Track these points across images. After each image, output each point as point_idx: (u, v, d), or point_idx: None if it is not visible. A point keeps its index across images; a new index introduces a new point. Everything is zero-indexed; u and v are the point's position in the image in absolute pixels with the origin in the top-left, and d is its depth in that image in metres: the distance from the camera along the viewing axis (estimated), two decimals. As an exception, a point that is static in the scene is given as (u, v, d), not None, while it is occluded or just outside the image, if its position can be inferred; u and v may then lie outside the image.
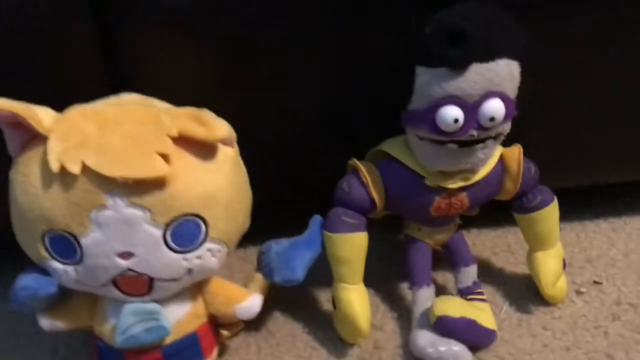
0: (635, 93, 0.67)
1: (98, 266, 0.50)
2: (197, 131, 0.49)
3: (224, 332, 0.62)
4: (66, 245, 0.50)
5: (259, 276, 0.61)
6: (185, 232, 0.50)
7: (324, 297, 0.68)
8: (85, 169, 0.47)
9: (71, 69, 0.58)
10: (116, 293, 0.53)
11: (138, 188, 0.48)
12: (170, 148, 0.48)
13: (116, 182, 0.47)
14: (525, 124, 0.57)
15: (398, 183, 0.60)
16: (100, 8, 0.57)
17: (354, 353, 0.62)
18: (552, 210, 0.64)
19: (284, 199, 0.70)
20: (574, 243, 0.74)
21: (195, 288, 0.57)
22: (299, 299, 0.67)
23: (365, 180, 0.60)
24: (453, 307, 0.59)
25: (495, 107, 0.53)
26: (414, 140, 0.58)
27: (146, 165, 0.47)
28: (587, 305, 0.66)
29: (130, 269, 0.50)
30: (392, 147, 0.61)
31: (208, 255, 0.52)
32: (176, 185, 0.49)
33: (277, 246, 0.61)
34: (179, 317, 0.56)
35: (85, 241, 0.49)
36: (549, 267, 0.64)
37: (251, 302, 0.59)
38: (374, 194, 0.60)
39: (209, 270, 0.54)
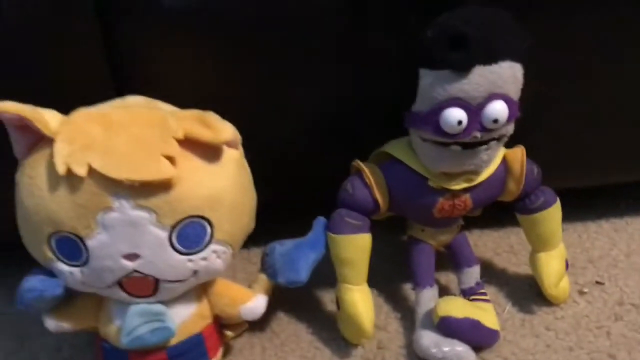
0: (635, 93, 0.67)
1: (104, 268, 0.51)
2: (203, 134, 0.49)
3: (228, 333, 0.62)
4: (72, 247, 0.50)
5: (263, 277, 0.62)
6: (190, 233, 0.51)
7: (327, 298, 0.68)
8: (91, 171, 0.47)
9: (74, 69, 0.58)
10: (122, 294, 0.53)
11: (144, 190, 0.48)
12: (176, 150, 0.48)
13: (122, 185, 0.47)
14: (527, 126, 0.58)
15: (401, 184, 0.60)
16: (103, 8, 0.57)
17: (357, 353, 0.62)
18: (555, 211, 0.64)
19: (287, 201, 0.70)
20: (576, 244, 0.74)
21: (200, 289, 0.57)
22: (302, 300, 0.68)
23: (368, 181, 0.60)
24: (456, 307, 0.60)
25: (498, 109, 0.53)
26: (417, 141, 0.58)
27: (152, 168, 0.48)
28: (590, 305, 0.66)
29: (136, 271, 0.51)
30: (395, 148, 0.61)
31: (213, 256, 0.53)
32: (182, 187, 0.49)
33: (281, 247, 0.61)
34: (184, 318, 0.56)
35: (91, 243, 0.50)
36: (552, 268, 0.65)
37: (256, 303, 0.59)
38: (378, 196, 0.60)
39: (214, 272, 0.54)
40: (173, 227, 0.50)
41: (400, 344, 0.63)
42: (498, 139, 0.56)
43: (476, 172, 0.59)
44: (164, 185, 0.48)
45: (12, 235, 0.53)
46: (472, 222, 0.70)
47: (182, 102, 0.54)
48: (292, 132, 0.65)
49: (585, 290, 0.68)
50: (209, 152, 0.51)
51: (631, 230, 0.76)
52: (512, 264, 0.72)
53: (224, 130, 0.50)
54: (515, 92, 0.55)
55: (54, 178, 0.48)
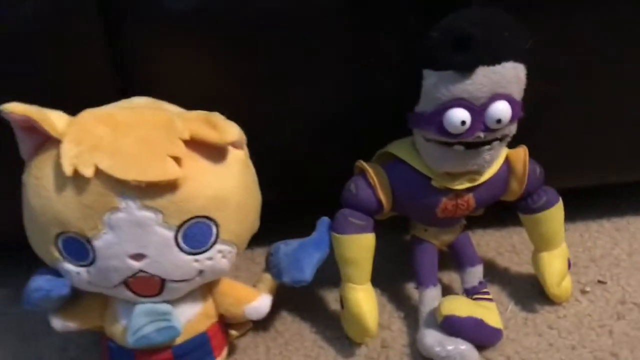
0: (635, 93, 0.67)
1: (110, 268, 0.51)
2: (209, 134, 0.49)
3: (233, 332, 0.62)
4: (79, 247, 0.51)
5: (267, 276, 0.62)
6: (196, 233, 0.51)
7: (331, 297, 0.68)
8: (98, 172, 0.48)
9: (78, 70, 0.59)
10: (128, 294, 0.53)
11: (150, 191, 0.48)
12: (182, 151, 0.49)
13: (129, 185, 0.48)
14: (527, 126, 0.58)
15: (405, 184, 0.61)
16: (106, 9, 0.57)
17: (361, 352, 0.63)
18: (557, 210, 0.64)
19: (291, 201, 0.70)
20: (578, 243, 0.75)
21: (206, 288, 0.57)
22: (306, 300, 0.68)
23: (372, 181, 0.60)
24: (460, 306, 0.60)
25: (501, 109, 0.54)
26: (420, 141, 0.58)
27: (159, 168, 0.48)
28: (592, 304, 0.67)
29: (142, 270, 0.51)
30: (398, 148, 0.61)
31: (219, 256, 0.53)
32: (188, 187, 0.49)
33: (286, 247, 0.61)
34: (190, 318, 0.56)
35: (97, 243, 0.50)
36: (554, 267, 0.65)
37: (260, 303, 0.59)
38: (381, 196, 0.61)
39: (220, 271, 0.55)
40: (179, 227, 0.50)
41: (404, 342, 0.63)
42: (501, 139, 0.57)
43: (479, 172, 0.59)
44: (170, 186, 0.49)
45: (19, 236, 0.54)
46: (474, 221, 0.70)
47: (185, 103, 0.55)
48: (294, 133, 0.66)
49: (588, 289, 0.68)
50: (215, 152, 0.51)
51: (633, 229, 0.77)
52: (515, 264, 0.72)
53: (230, 131, 0.50)
54: (518, 93, 0.55)
55: (61, 179, 0.49)
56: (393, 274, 0.70)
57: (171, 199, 0.49)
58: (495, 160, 0.60)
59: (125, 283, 0.52)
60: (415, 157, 0.60)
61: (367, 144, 0.64)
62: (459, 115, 0.53)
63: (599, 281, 0.69)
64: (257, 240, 0.58)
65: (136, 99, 0.55)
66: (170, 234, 0.50)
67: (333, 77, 0.63)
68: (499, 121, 0.54)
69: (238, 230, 0.54)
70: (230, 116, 0.52)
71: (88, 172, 0.47)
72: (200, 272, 0.53)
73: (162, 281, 0.52)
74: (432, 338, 0.60)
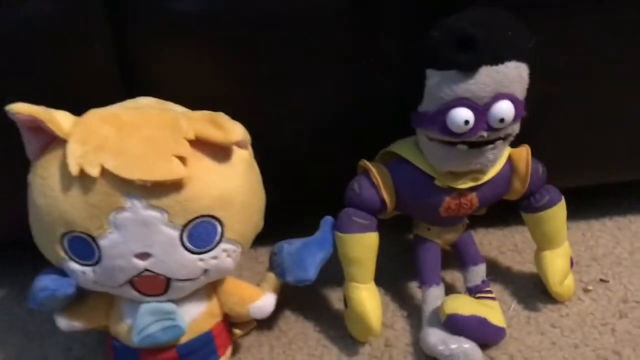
0: (636, 93, 0.67)
1: (116, 267, 0.51)
2: (214, 134, 0.49)
3: (237, 331, 0.63)
4: (84, 247, 0.51)
5: (271, 276, 0.62)
6: (201, 232, 0.51)
7: (335, 297, 0.69)
8: (104, 171, 0.48)
9: (83, 71, 0.59)
10: (133, 293, 0.53)
11: (156, 190, 0.49)
12: (187, 151, 0.49)
13: (134, 185, 0.48)
14: (529, 125, 0.58)
15: (408, 184, 0.61)
16: (112, 10, 0.57)
17: (365, 351, 0.63)
18: (560, 209, 0.65)
19: (295, 200, 0.71)
20: (580, 242, 0.75)
21: (210, 288, 0.58)
22: (310, 299, 0.68)
23: (375, 181, 0.61)
24: (463, 305, 0.60)
25: (504, 108, 0.54)
26: (424, 141, 0.58)
27: (164, 168, 0.48)
28: (595, 303, 0.67)
29: (147, 270, 0.51)
30: (402, 148, 0.61)
31: (223, 255, 0.53)
32: (193, 187, 0.50)
33: (289, 247, 0.61)
34: (195, 317, 0.57)
35: (103, 243, 0.50)
36: (557, 266, 0.65)
37: (265, 302, 0.59)
38: (385, 195, 0.61)
39: (224, 271, 0.55)
40: (184, 227, 0.50)
41: (407, 341, 0.64)
42: (504, 138, 0.57)
43: (482, 171, 0.60)
44: (175, 185, 0.49)
45: (24, 235, 0.54)
46: (477, 220, 0.70)
47: (186, 103, 0.55)
48: (294, 133, 0.66)
49: (590, 288, 0.68)
50: (220, 152, 0.51)
51: (635, 228, 0.77)
52: (517, 263, 0.73)
53: (235, 131, 0.50)
54: (521, 92, 0.55)
55: (67, 178, 0.49)
56: (396, 273, 0.71)
57: (176, 199, 0.49)
58: (498, 160, 0.60)
59: (131, 282, 0.52)
60: (418, 156, 0.60)
61: (367, 144, 0.64)
62: (462, 114, 0.53)
63: (601, 280, 0.70)
64: (261, 239, 0.58)
65: (141, 99, 0.55)
66: (175, 233, 0.50)
67: (333, 77, 0.63)
68: (502, 120, 0.54)
69: (243, 229, 0.54)
70: (231, 116, 0.52)
71: (94, 171, 0.48)
72: (205, 271, 0.53)
73: (168, 280, 0.52)
74: (435, 337, 0.60)
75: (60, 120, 0.50)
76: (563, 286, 0.66)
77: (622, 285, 0.69)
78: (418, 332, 0.63)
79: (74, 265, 0.52)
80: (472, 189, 0.60)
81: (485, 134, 0.55)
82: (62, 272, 0.53)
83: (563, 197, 0.65)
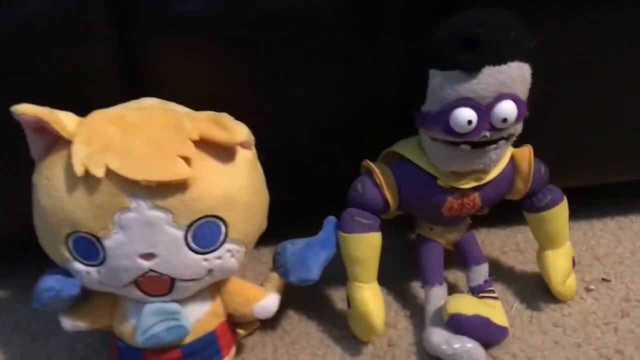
0: (636, 93, 0.67)
1: (120, 267, 0.51)
2: (218, 135, 0.50)
3: (240, 331, 0.63)
4: (89, 247, 0.51)
5: (274, 276, 0.62)
6: (206, 233, 0.51)
7: (338, 296, 0.69)
8: (108, 172, 0.48)
9: (86, 71, 0.59)
10: (137, 293, 0.53)
11: (161, 190, 0.49)
12: (191, 151, 0.49)
13: (139, 185, 0.48)
14: (529, 125, 0.58)
15: (411, 184, 0.61)
16: (116, 11, 0.57)
17: (368, 351, 0.63)
18: (562, 209, 0.65)
19: (298, 200, 0.71)
20: (582, 241, 0.75)
21: (214, 288, 0.58)
22: (313, 299, 0.68)
23: (378, 181, 0.61)
24: (466, 305, 0.61)
25: (507, 108, 0.54)
26: (427, 141, 0.59)
27: (169, 169, 0.48)
28: (597, 302, 0.67)
29: (151, 270, 0.51)
30: (405, 148, 0.62)
31: (228, 255, 0.53)
32: (197, 187, 0.50)
33: (293, 247, 0.62)
34: (199, 317, 0.57)
35: (108, 243, 0.50)
36: (559, 266, 0.65)
37: (268, 302, 0.60)
38: (388, 195, 0.61)
39: (229, 271, 0.55)
40: (189, 227, 0.51)
41: (410, 341, 0.64)
42: (507, 138, 0.57)
43: (485, 171, 0.60)
44: (180, 186, 0.49)
45: (29, 236, 0.54)
46: (479, 220, 0.70)
47: (188, 103, 0.55)
48: (294, 133, 0.66)
49: (592, 287, 0.69)
50: (224, 153, 0.51)
51: (636, 227, 0.77)
52: (519, 262, 0.73)
53: (239, 131, 0.50)
54: (523, 92, 0.55)
55: (72, 179, 0.49)
56: (399, 273, 0.71)
57: (181, 199, 0.49)
58: (501, 160, 0.60)
59: (135, 282, 0.52)
60: (421, 156, 0.60)
61: (368, 144, 0.64)
62: (465, 114, 0.54)
63: (603, 279, 0.70)
64: (264, 239, 0.58)
65: (145, 99, 0.55)
66: (180, 234, 0.51)
67: (333, 77, 0.63)
68: (504, 120, 0.54)
69: (246, 229, 0.54)
70: (240, 117, 0.52)
71: (99, 172, 0.48)
72: (210, 271, 0.53)
73: (172, 280, 0.53)
74: (438, 336, 0.60)
75: (65, 121, 0.50)
76: (565, 286, 0.66)
77: (624, 285, 0.69)
78: (421, 331, 0.63)
79: (79, 266, 0.52)
80: (474, 188, 0.60)
81: (488, 134, 0.55)
82: (67, 273, 0.54)
83: (565, 197, 0.65)
